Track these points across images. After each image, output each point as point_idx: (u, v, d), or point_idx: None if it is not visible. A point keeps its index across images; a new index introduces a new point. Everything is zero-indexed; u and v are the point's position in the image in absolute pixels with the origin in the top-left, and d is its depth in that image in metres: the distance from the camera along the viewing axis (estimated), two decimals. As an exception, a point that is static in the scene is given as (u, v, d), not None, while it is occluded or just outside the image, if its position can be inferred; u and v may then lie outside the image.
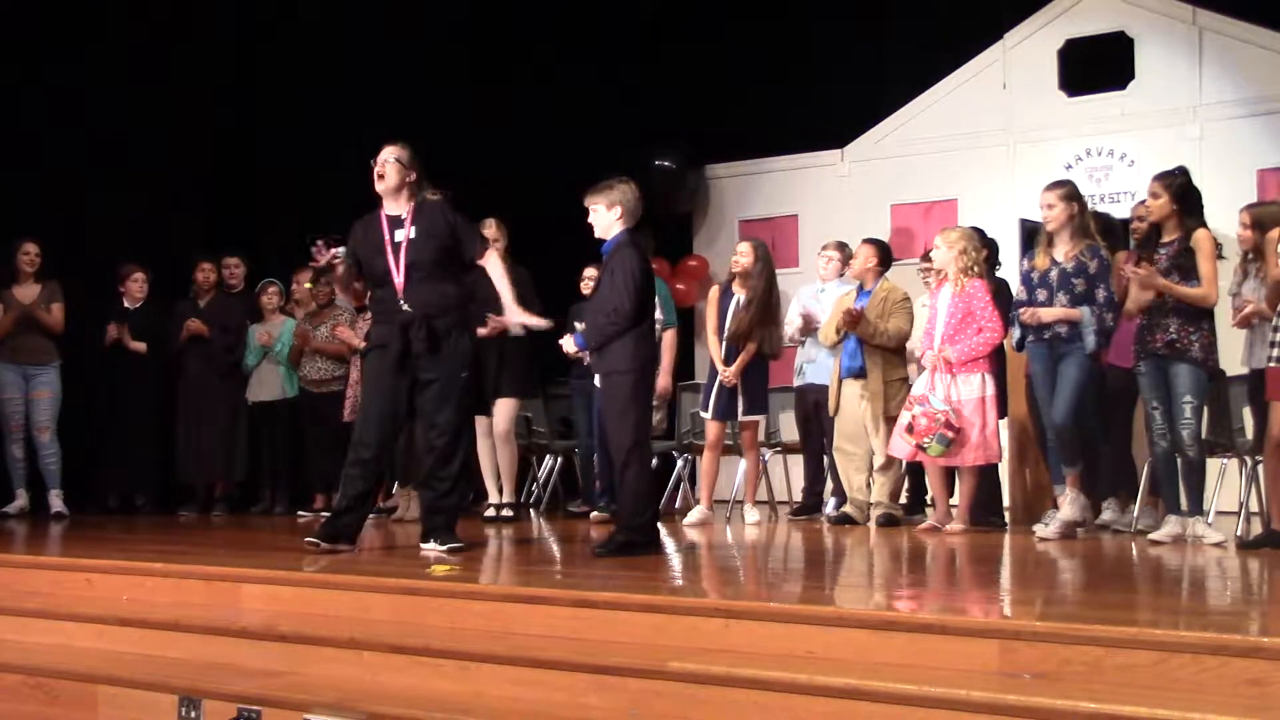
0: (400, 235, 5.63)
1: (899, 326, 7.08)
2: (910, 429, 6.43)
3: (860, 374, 7.17)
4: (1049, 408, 6.19)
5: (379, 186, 5.69)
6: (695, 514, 7.39)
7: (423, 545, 5.62)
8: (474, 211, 7.79)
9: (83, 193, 8.50)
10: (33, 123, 8.25)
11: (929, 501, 7.28)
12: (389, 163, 5.67)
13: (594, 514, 7.64)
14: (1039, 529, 6.21)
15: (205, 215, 9.26)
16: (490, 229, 7.53)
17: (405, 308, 5.57)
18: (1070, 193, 6.16)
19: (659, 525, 5.73)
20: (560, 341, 5.77)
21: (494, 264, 5.79)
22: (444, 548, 5.52)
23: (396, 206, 5.70)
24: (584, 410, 8.13)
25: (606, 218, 5.55)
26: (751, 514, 7.44)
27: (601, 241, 5.61)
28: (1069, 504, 6.11)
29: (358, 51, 9.38)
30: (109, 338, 8.36)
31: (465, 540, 5.63)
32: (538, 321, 5.92)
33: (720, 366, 7.35)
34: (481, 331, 5.78)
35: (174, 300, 8.70)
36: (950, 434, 6.35)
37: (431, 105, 9.57)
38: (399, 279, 5.59)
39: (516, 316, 5.89)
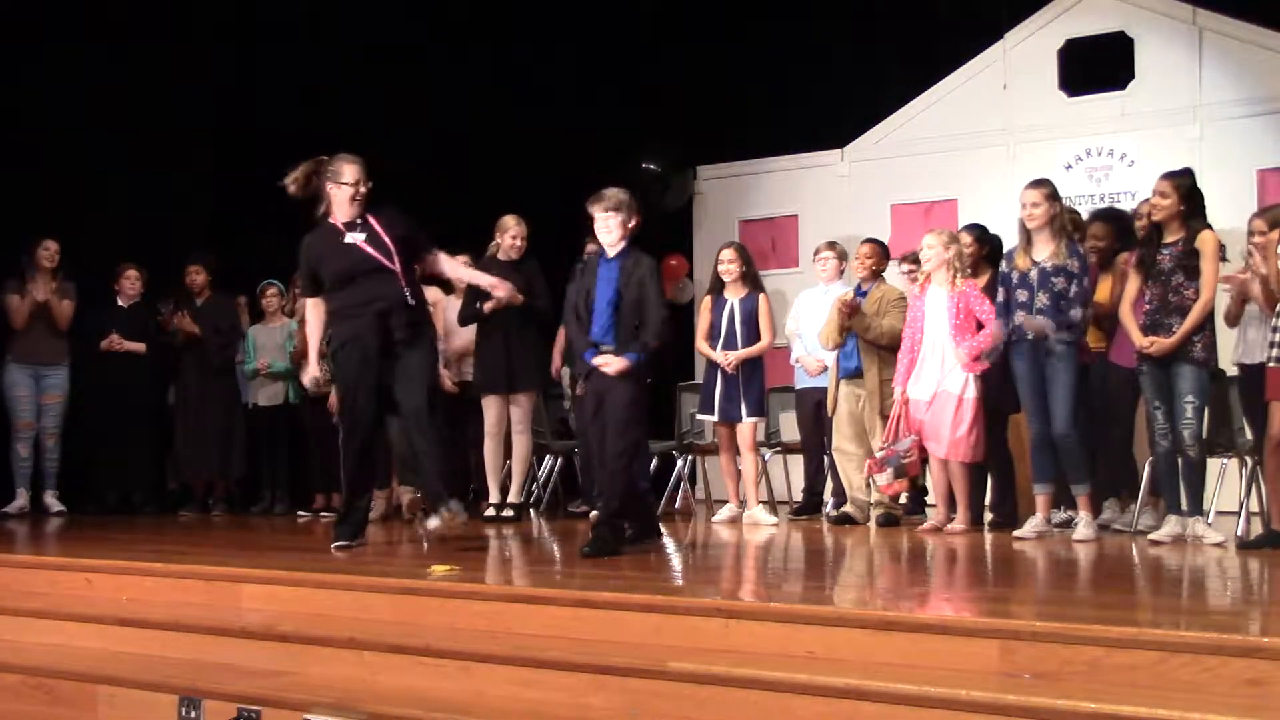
0: (361, 238, 5.74)
1: (893, 325, 7.07)
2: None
3: (856, 374, 7.18)
4: (1035, 412, 6.14)
5: (353, 206, 5.78)
6: (725, 511, 7.56)
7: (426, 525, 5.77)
8: (473, 212, 7.86)
9: (83, 193, 8.51)
10: (33, 123, 8.25)
11: (929, 501, 7.27)
12: (364, 180, 5.80)
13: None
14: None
15: (205, 215, 9.26)
16: (511, 224, 7.54)
17: (380, 295, 5.66)
18: (1052, 192, 6.16)
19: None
20: (605, 363, 5.58)
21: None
22: (447, 511, 5.61)
23: (352, 215, 5.81)
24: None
25: (624, 227, 5.65)
26: (767, 516, 7.37)
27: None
28: (1084, 525, 6.04)
29: (357, 51, 9.38)
30: (107, 345, 8.34)
31: (464, 540, 5.64)
32: None
33: (719, 357, 7.36)
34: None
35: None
36: (904, 460, 6.56)
37: (431, 105, 9.59)
38: (394, 265, 5.68)
39: None
